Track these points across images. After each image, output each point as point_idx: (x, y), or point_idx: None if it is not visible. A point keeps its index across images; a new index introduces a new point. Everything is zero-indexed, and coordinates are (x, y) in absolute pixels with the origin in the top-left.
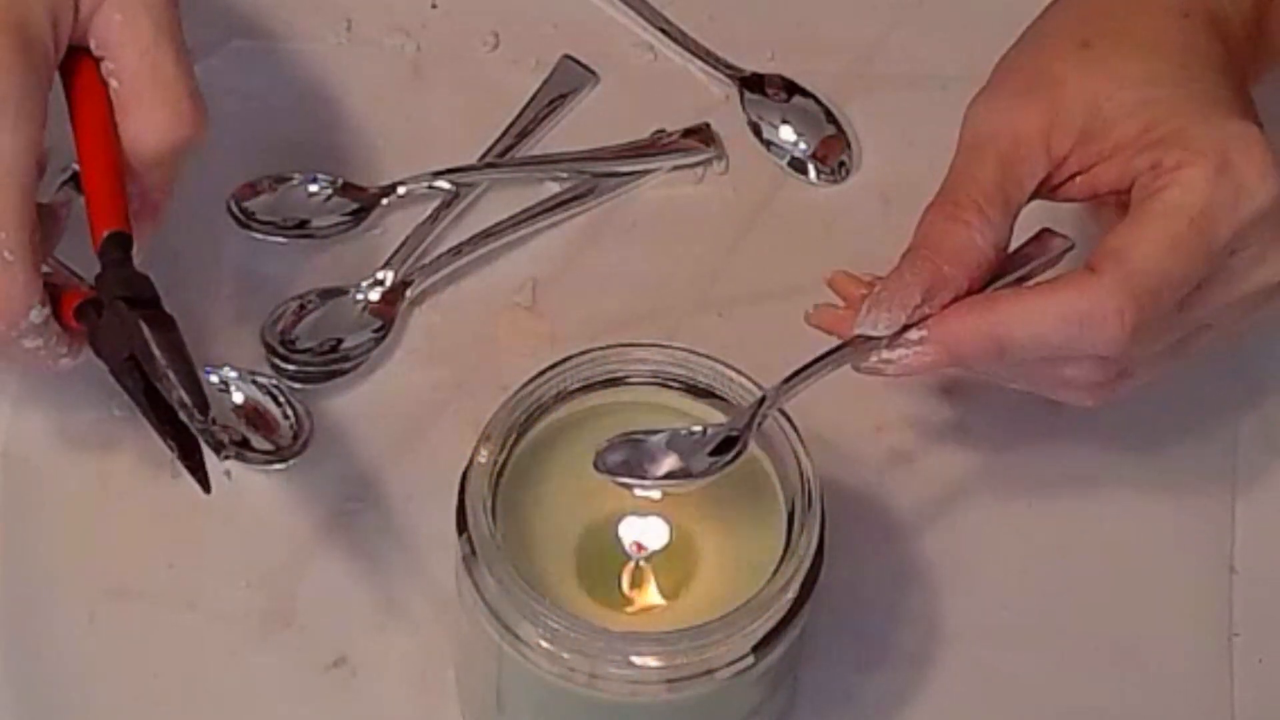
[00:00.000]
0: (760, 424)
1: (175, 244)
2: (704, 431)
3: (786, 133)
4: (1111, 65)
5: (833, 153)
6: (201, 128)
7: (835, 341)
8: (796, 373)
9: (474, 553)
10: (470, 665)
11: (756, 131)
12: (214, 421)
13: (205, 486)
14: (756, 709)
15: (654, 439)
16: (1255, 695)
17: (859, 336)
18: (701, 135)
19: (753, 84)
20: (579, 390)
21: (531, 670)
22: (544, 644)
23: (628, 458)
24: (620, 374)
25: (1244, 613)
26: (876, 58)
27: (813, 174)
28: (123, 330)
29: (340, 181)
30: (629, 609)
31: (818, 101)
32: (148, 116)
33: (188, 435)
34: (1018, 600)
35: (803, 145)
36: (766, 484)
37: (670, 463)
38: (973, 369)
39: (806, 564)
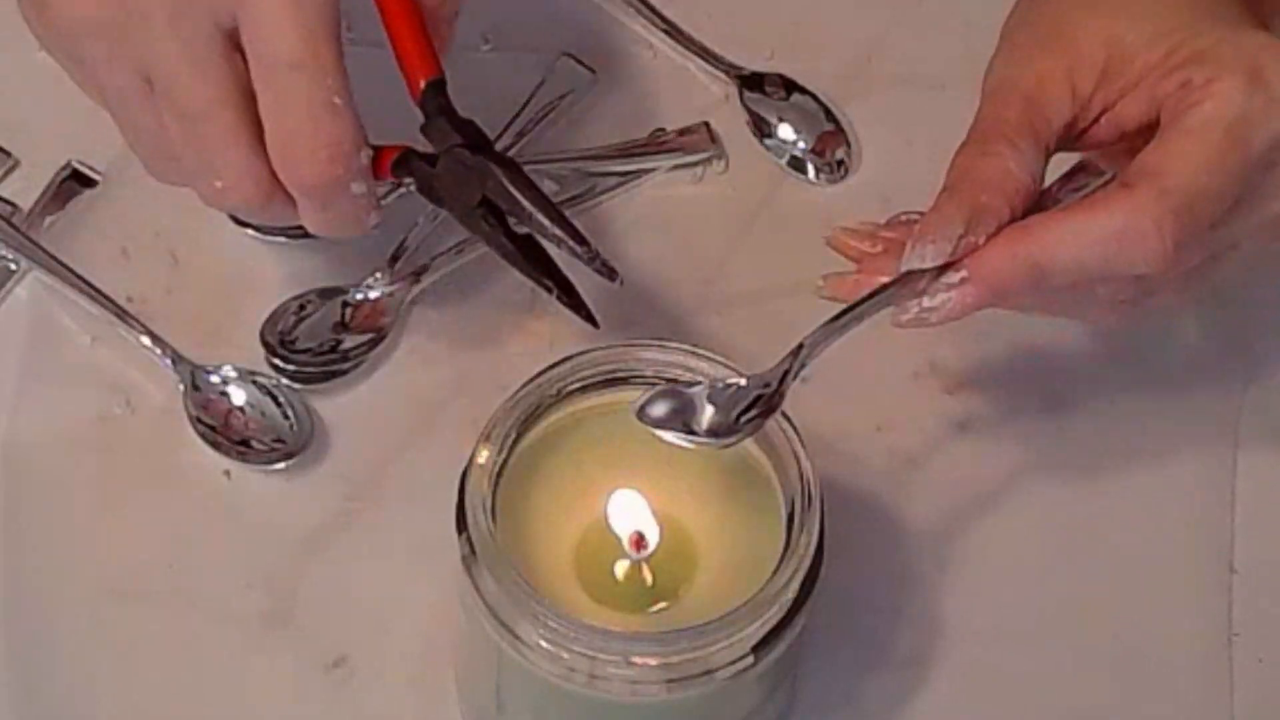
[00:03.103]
0: (797, 373)
1: (175, 244)
2: (740, 385)
3: (786, 132)
4: (1127, 6)
5: (832, 151)
6: None
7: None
8: (834, 319)
9: (474, 552)
10: (470, 665)
11: (756, 131)
12: (597, 251)
13: (593, 321)
14: (756, 709)
15: (693, 390)
16: (1255, 695)
17: (901, 276)
18: (701, 134)
19: (752, 83)
20: (579, 390)
21: (531, 670)
22: (544, 644)
23: (669, 410)
24: (620, 374)
25: (1244, 613)
26: (876, 57)
27: (812, 173)
28: (470, 176)
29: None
30: (628, 609)
31: (817, 100)
32: None
33: (559, 272)
34: (1018, 600)
35: (802, 144)
36: (766, 484)
37: (709, 417)
38: (1011, 302)
39: (806, 564)
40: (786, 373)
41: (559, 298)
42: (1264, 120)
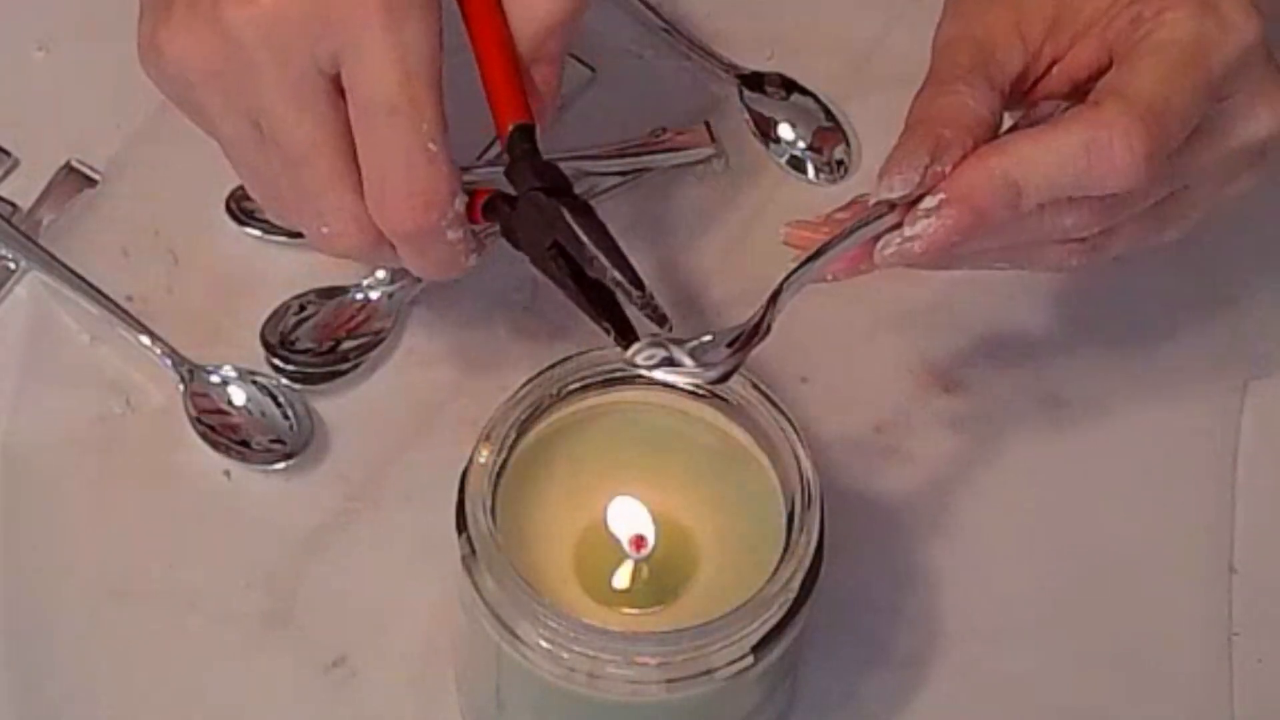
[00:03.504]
0: (781, 306)
1: (175, 244)
2: (723, 333)
3: (786, 131)
4: None
5: (832, 151)
6: (584, 3)
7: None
8: (811, 257)
9: (473, 552)
10: (470, 665)
11: (756, 130)
12: (651, 297)
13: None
14: (756, 709)
15: (686, 343)
16: (1255, 695)
17: (873, 208)
18: (701, 134)
19: (752, 82)
20: (579, 390)
21: (531, 670)
22: (544, 644)
23: (660, 358)
24: (620, 374)
25: (1244, 613)
26: (875, 57)
27: (812, 172)
28: (542, 219)
29: None
30: (628, 609)
31: (817, 100)
32: None
33: (621, 316)
34: (1018, 600)
35: (802, 144)
36: (766, 484)
37: (697, 355)
38: (990, 229)
39: (806, 564)
40: (769, 307)
41: (615, 339)
42: (1219, 43)
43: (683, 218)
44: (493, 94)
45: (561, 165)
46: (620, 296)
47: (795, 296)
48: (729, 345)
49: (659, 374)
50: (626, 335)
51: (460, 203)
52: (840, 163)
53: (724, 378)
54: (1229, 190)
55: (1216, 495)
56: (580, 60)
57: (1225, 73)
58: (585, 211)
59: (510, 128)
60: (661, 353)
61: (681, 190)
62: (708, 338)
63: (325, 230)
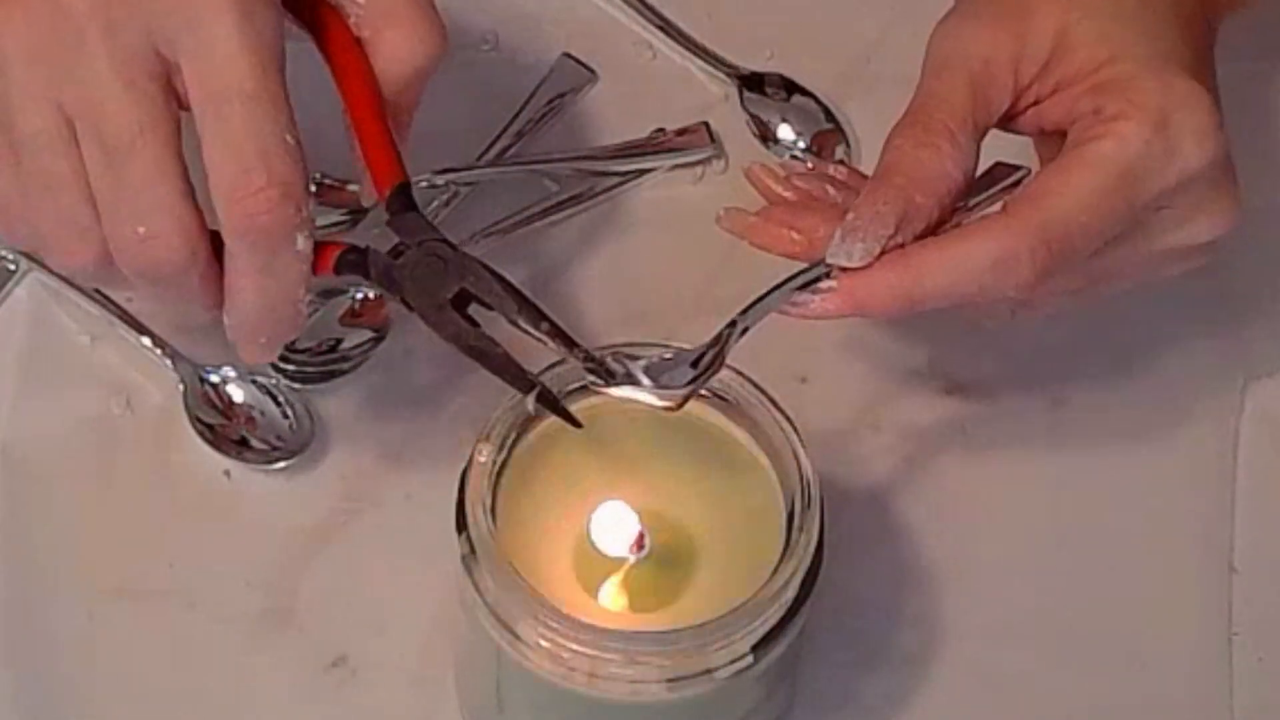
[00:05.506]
0: (733, 342)
1: None
2: (684, 353)
3: (786, 132)
4: None
5: (832, 151)
6: (446, 43)
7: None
8: (752, 304)
9: (473, 552)
10: (470, 665)
11: (756, 131)
12: (586, 353)
13: (574, 424)
14: (756, 708)
15: (633, 364)
16: (1255, 695)
17: (816, 264)
18: (701, 134)
19: (752, 83)
20: (579, 390)
21: (531, 670)
22: (544, 644)
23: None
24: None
25: (1244, 612)
26: (875, 57)
27: None
28: (443, 272)
29: (339, 181)
30: (628, 608)
31: (817, 100)
32: (397, 37)
33: (531, 380)
34: (1018, 600)
35: (802, 144)
36: (766, 484)
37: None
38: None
39: (806, 563)
40: (726, 340)
41: (540, 398)
42: (1158, 169)
43: (683, 218)
44: (370, 156)
45: (562, 166)
46: (555, 346)
47: (753, 329)
48: (692, 365)
49: (614, 391)
50: (552, 404)
51: (309, 206)
52: (840, 163)
53: (678, 405)
54: (1167, 274)
55: (1216, 495)
56: (581, 62)
57: (1158, 195)
58: (489, 269)
59: (391, 188)
60: (621, 369)
61: (681, 190)
62: (669, 355)
63: (141, 231)
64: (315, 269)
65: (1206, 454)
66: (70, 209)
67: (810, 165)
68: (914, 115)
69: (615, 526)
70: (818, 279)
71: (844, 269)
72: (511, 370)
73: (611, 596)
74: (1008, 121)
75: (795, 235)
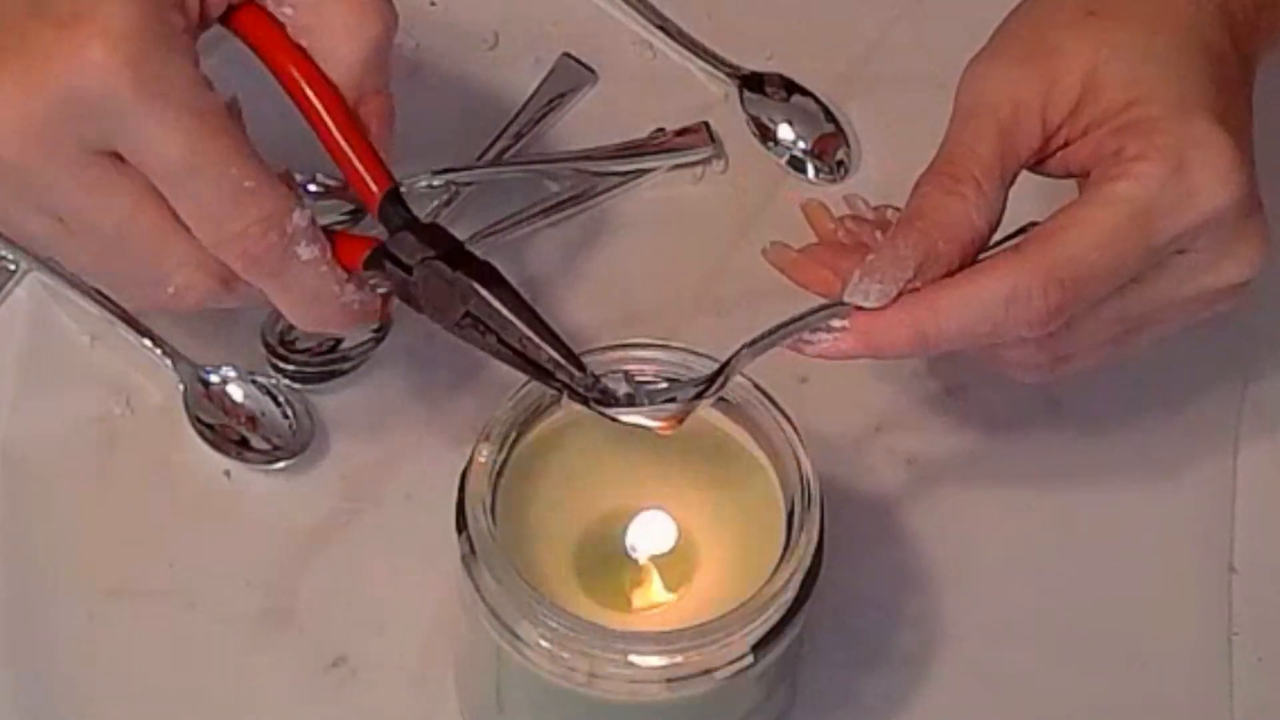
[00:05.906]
0: (733, 373)
1: None
2: (683, 388)
3: (786, 132)
4: (1112, 34)
5: (832, 152)
6: (393, 19)
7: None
8: (768, 333)
9: (473, 552)
10: (470, 665)
11: (756, 131)
12: (594, 376)
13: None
14: (756, 708)
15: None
16: (1255, 695)
17: (832, 303)
18: (701, 134)
19: (752, 83)
20: None
21: (531, 670)
22: (544, 643)
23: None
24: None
25: (1244, 612)
26: (875, 57)
27: (812, 173)
28: (450, 291)
29: (339, 181)
30: (628, 608)
31: (817, 100)
32: (338, 17)
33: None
34: (1018, 600)
35: (802, 144)
36: (766, 484)
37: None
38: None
39: (806, 563)
40: (723, 373)
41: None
42: (1175, 209)
43: (683, 218)
44: (352, 171)
45: (562, 166)
46: (561, 377)
47: (750, 363)
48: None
49: (613, 412)
50: (572, 391)
51: (302, 217)
52: (840, 163)
53: (672, 427)
54: (1200, 317)
55: (1216, 495)
56: (581, 62)
57: (1176, 236)
58: (496, 279)
59: (381, 195)
60: (624, 389)
61: (681, 190)
62: (672, 378)
63: (173, 290)
64: (346, 265)
65: (1206, 454)
66: (108, 280)
67: (874, 207)
68: (942, 162)
69: (627, 517)
70: (830, 317)
71: (858, 308)
72: (539, 373)
73: (611, 596)
74: (1038, 164)
75: (833, 276)
